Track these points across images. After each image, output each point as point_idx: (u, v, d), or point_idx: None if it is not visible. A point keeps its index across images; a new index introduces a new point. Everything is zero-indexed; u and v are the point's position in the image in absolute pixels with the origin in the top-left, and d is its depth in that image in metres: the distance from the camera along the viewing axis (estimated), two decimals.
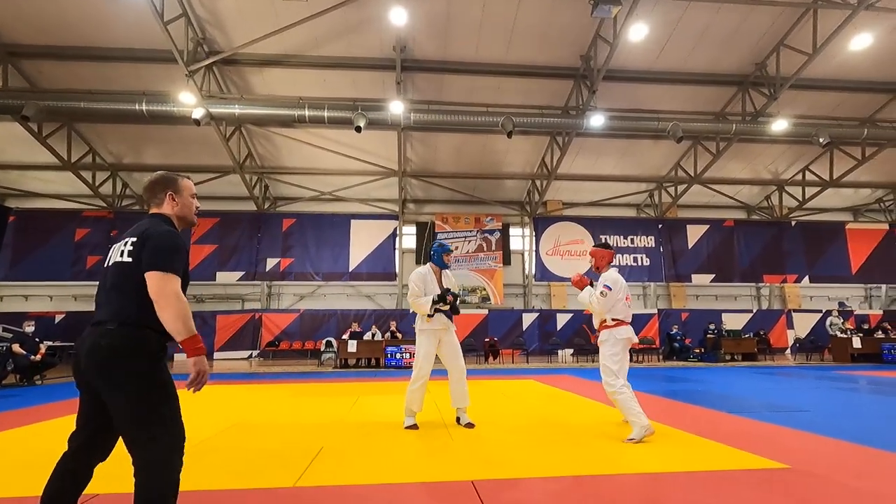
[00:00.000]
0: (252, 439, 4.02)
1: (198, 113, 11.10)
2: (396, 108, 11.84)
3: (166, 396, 1.83)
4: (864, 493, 2.61)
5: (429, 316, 4.46)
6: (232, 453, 3.57)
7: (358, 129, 11.70)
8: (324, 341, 13.80)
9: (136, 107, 11.34)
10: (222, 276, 15.66)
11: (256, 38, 10.68)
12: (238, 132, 13.89)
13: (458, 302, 4.62)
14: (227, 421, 4.84)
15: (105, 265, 1.95)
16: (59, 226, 15.35)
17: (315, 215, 16.32)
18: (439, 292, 4.49)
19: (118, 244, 1.94)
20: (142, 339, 1.81)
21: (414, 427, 4.35)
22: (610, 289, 4.17)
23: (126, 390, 1.75)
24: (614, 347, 4.15)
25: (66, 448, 1.88)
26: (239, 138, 14.01)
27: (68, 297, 15.70)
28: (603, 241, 16.57)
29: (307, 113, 11.83)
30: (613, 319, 4.22)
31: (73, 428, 1.88)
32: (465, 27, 11.15)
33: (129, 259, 1.86)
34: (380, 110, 12.02)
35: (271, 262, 15.87)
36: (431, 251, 4.77)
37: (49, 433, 4.34)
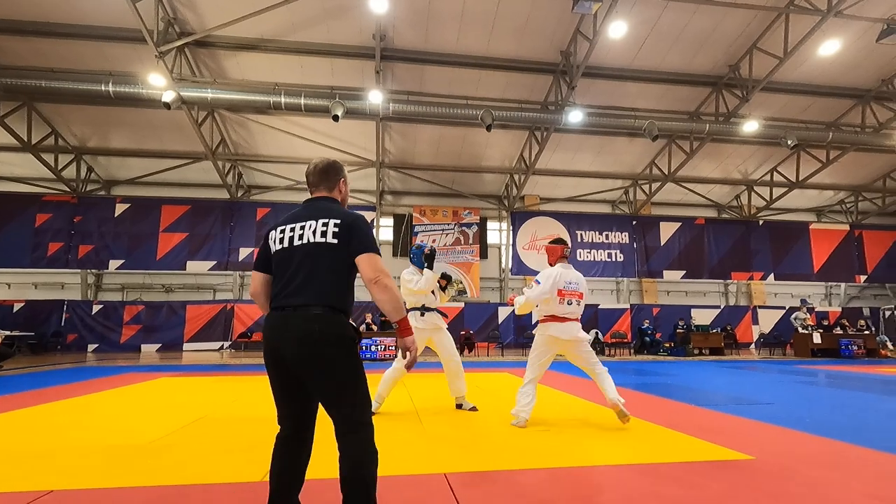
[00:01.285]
0: (219, 433, 3.91)
1: (168, 96, 10.72)
2: (375, 97, 11.67)
3: (365, 380, 1.88)
4: (822, 482, 2.71)
5: (421, 315, 4.73)
6: (198, 448, 3.47)
7: (335, 118, 11.50)
8: None
9: (102, 87, 10.88)
10: (193, 266, 15.25)
11: (231, 21, 10.34)
12: (211, 117, 13.49)
13: (453, 288, 4.94)
14: (193, 414, 4.71)
15: (283, 245, 1.91)
16: (18, 210, 14.64)
17: (290, 205, 15.99)
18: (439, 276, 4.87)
19: (304, 223, 1.91)
20: (348, 324, 1.87)
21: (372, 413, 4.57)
22: (538, 283, 4.20)
23: (343, 375, 1.80)
24: (538, 343, 4.32)
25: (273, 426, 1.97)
26: (212, 124, 13.61)
27: (28, 284, 15.07)
28: (579, 240, 16.79)
29: (283, 100, 11.56)
30: (545, 315, 4.25)
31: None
32: (447, 18, 11.05)
33: (335, 241, 1.85)
34: (358, 99, 11.83)
35: (244, 252, 15.52)
36: (411, 254, 4.94)
37: (8, 425, 4.14)
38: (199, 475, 2.82)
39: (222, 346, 14.77)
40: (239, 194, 15.94)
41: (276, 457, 1.92)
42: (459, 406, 4.90)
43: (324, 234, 1.86)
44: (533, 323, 4.41)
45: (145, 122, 13.39)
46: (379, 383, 4.59)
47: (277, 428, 1.97)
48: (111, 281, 15.87)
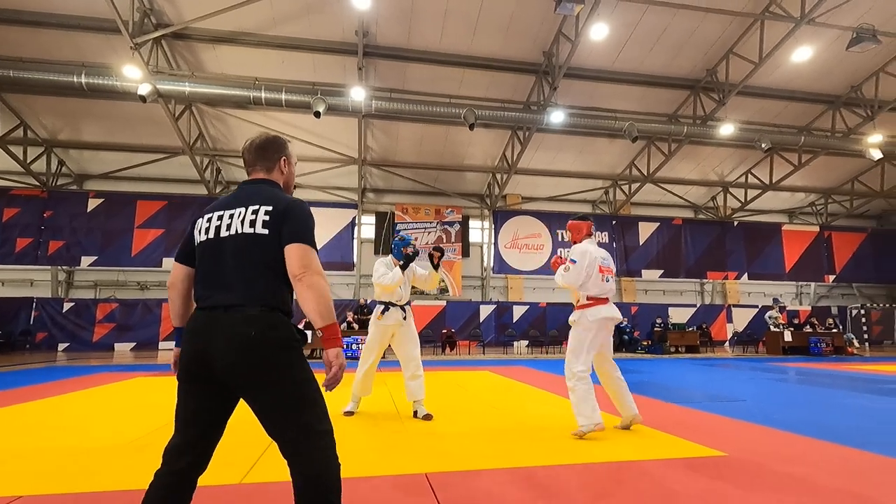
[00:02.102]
0: None
1: (144, 89, 10.45)
2: (357, 94, 11.58)
3: (316, 384, 1.60)
4: (793, 477, 2.80)
5: (382, 313, 4.50)
6: None
7: (317, 115, 11.38)
8: None
9: (75, 79, 10.55)
10: (169, 263, 14.72)
11: (209, 13, 10.14)
12: (188, 111, 13.20)
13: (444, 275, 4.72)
14: (169, 415, 4.61)
15: (208, 236, 1.64)
16: None
17: None
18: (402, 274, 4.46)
19: (234, 211, 1.64)
20: (288, 324, 1.59)
21: (350, 414, 4.54)
22: (574, 262, 3.87)
23: (293, 382, 1.54)
24: (580, 328, 3.85)
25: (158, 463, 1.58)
26: (189, 118, 13.32)
27: None
28: (560, 239, 16.96)
29: (263, 95, 11.39)
30: (589, 298, 3.87)
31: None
32: (430, 15, 11.02)
33: (266, 231, 1.58)
34: (340, 96, 11.72)
35: None
36: (392, 244, 4.73)
37: None
38: None
39: None
40: (217, 190, 15.64)
41: (154, 491, 1.53)
42: (415, 413, 4.43)
43: (252, 223, 1.59)
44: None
45: (120, 115, 13.03)
46: (353, 383, 4.58)
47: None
48: (83, 278, 15.42)
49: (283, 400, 1.52)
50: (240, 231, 1.60)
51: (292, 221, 1.61)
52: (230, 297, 1.56)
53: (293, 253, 1.58)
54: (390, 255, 4.69)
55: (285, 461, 1.54)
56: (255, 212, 1.61)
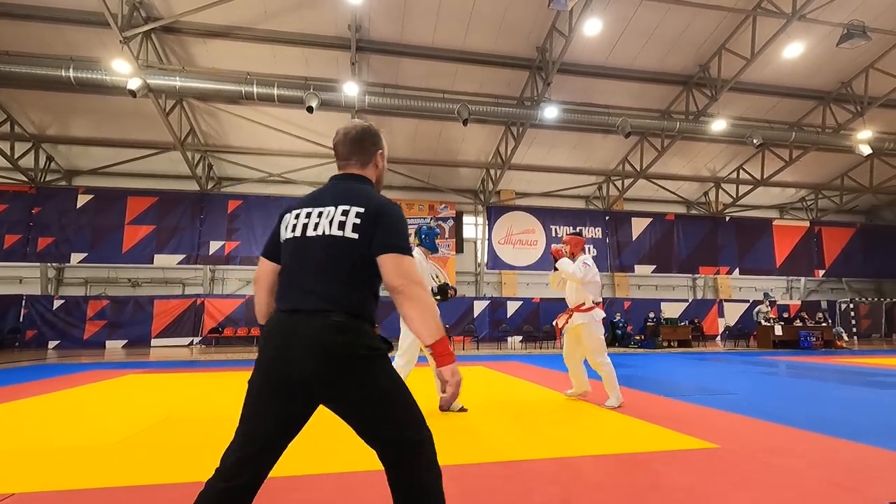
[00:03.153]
0: (189, 432, 3.83)
1: (134, 83, 10.33)
2: (351, 89, 11.52)
3: (407, 390, 1.50)
4: (782, 468, 2.83)
5: None
6: (165, 447, 3.39)
7: (310, 110, 11.31)
8: None
9: (63, 73, 10.41)
10: (160, 260, 14.81)
11: (200, 7, 10.02)
12: (179, 106, 13.07)
13: (454, 294, 4.68)
14: (162, 412, 4.59)
15: (294, 234, 1.53)
16: None
17: (263, 197, 15.69)
18: (438, 284, 4.36)
19: (323, 210, 1.52)
20: (372, 332, 1.48)
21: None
22: (588, 265, 4.74)
23: (384, 392, 1.43)
24: (597, 326, 4.76)
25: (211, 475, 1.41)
26: (180, 113, 13.19)
27: None
28: (554, 235, 17.03)
29: (255, 90, 11.30)
30: (594, 302, 4.78)
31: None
32: (423, 10, 10.97)
33: (355, 235, 1.47)
34: (333, 91, 11.65)
35: (215, 246, 15.16)
36: (422, 234, 4.49)
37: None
38: (170, 475, 2.76)
39: (192, 341, 14.42)
40: (209, 186, 15.53)
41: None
42: (445, 408, 4.45)
43: (342, 225, 1.48)
44: (571, 307, 4.98)
45: (109, 110, 12.88)
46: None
47: None
48: (73, 275, 15.26)
49: (372, 411, 1.43)
50: (327, 232, 1.49)
51: (385, 228, 1.49)
52: (313, 302, 1.45)
53: (388, 264, 1.46)
54: (420, 247, 4.48)
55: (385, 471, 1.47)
56: (346, 213, 1.50)
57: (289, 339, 1.42)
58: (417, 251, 4.42)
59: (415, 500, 1.43)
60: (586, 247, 18.25)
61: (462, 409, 4.46)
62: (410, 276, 1.45)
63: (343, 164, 1.68)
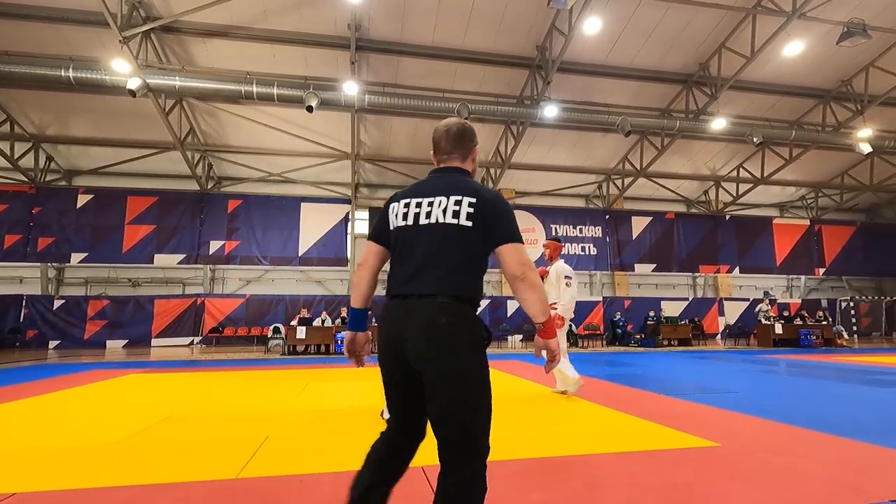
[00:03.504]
0: (190, 431, 3.83)
1: (133, 83, 10.33)
2: (350, 88, 11.51)
3: (490, 390, 1.57)
4: (783, 467, 2.83)
5: None
6: (168, 446, 3.39)
7: (309, 109, 11.31)
8: (271, 327, 13.40)
9: (62, 73, 10.41)
10: (161, 259, 14.82)
11: (199, 6, 10.02)
12: (179, 106, 13.06)
13: None
14: (163, 412, 4.59)
15: (406, 222, 1.64)
16: None
17: (263, 197, 15.69)
18: None
19: (434, 199, 1.63)
20: (479, 320, 1.58)
21: None
22: (570, 278, 4.99)
23: (467, 382, 1.50)
24: (561, 333, 5.06)
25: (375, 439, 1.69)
26: (180, 112, 13.18)
27: None
28: (554, 234, 17.03)
29: (255, 89, 11.30)
30: (553, 304, 4.92)
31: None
32: (423, 9, 10.96)
33: (469, 223, 1.57)
34: (333, 90, 11.65)
35: (215, 245, 15.16)
36: None
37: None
38: (171, 474, 2.76)
39: (192, 341, 14.43)
40: (209, 186, 15.53)
41: (374, 451, 1.68)
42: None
43: (456, 213, 1.58)
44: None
45: (109, 109, 12.87)
46: None
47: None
48: (73, 275, 15.26)
49: (460, 400, 1.49)
50: (440, 221, 1.59)
51: (501, 219, 1.60)
52: (425, 286, 1.55)
53: (510, 253, 1.58)
54: None
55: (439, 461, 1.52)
56: (458, 203, 1.59)
57: (402, 322, 1.56)
58: None
59: (460, 484, 1.48)
60: (585, 246, 18.32)
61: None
62: (528, 263, 1.59)
63: (445, 158, 1.79)
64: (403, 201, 1.69)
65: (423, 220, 1.61)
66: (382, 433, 1.70)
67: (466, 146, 1.78)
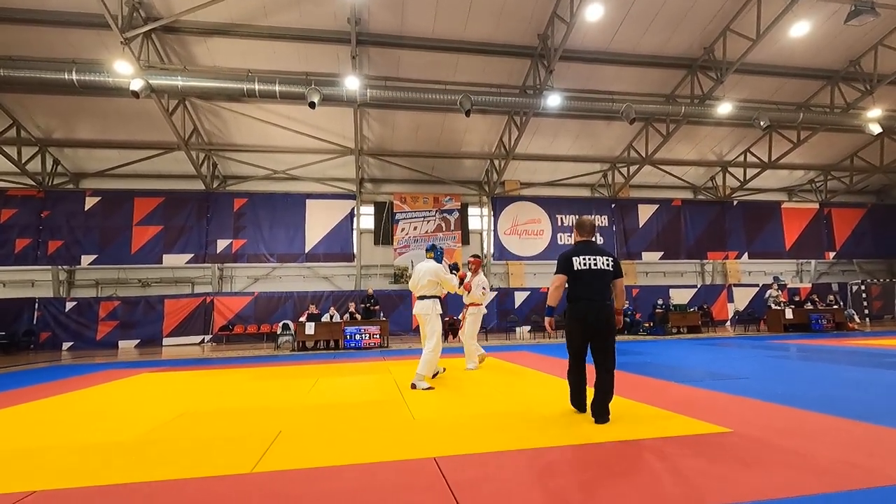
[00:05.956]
0: (205, 427, 3.88)
1: (136, 84, 10.37)
2: (352, 83, 11.48)
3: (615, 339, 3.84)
4: (796, 451, 2.83)
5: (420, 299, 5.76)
6: (183, 442, 3.44)
7: (312, 105, 11.29)
8: (280, 324, 13.49)
9: (66, 76, 10.46)
10: (169, 259, 14.94)
11: (199, 5, 10.02)
12: (182, 106, 13.10)
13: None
14: (176, 409, 4.65)
15: (584, 267, 3.70)
16: None
17: (268, 195, 15.74)
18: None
19: (595, 258, 3.73)
20: (613, 307, 3.76)
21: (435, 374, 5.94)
22: (486, 289, 7.01)
23: (614, 333, 3.73)
24: (478, 317, 6.92)
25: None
26: (183, 112, 13.22)
27: None
28: (560, 224, 16.95)
29: (257, 87, 11.30)
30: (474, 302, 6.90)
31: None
32: (422, 0, 10.87)
33: (610, 268, 3.75)
34: (334, 85, 11.63)
35: (222, 244, 15.26)
36: (437, 252, 6.01)
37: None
38: (190, 469, 2.80)
39: (203, 339, 14.57)
40: (215, 185, 15.60)
41: (573, 373, 3.91)
42: (413, 385, 5.36)
43: (606, 263, 3.74)
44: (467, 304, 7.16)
45: (113, 111, 12.94)
46: (425, 364, 5.41)
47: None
48: (84, 277, 15.44)
49: (612, 343, 3.70)
50: (601, 267, 3.73)
51: (618, 268, 3.83)
52: (600, 296, 3.70)
53: (619, 282, 3.84)
54: (431, 259, 5.84)
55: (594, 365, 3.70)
56: (606, 260, 3.76)
57: (594, 311, 3.66)
58: (441, 265, 5.83)
59: (606, 392, 3.62)
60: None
61: (428, 388, 5.28)
62: (623, 287, 3.89)
63: (587, 235, 3.91)
64: (581, 257, 3.74)
65: (593, 266, 3.72)
66: (572, 366, 3.91)
67: (594, 231, 4.03)
